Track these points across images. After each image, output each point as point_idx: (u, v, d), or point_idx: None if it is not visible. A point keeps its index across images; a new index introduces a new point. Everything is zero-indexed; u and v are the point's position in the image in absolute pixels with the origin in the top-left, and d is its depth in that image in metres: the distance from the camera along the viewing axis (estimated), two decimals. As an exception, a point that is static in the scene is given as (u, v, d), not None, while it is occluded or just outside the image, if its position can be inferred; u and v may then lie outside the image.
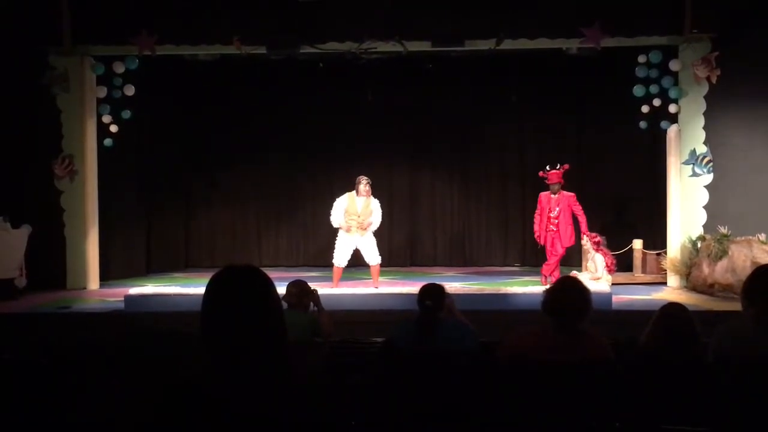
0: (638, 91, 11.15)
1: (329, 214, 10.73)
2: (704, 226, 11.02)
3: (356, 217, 10.34)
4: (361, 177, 10.45)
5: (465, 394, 3.92)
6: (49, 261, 11.11)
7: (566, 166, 10.82)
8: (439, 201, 14.53)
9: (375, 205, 10.49)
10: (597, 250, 10.82)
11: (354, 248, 10.48)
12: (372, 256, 10.50)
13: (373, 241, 10.54)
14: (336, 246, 10.58)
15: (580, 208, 10.84)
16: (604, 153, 13.32)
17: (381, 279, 11.07)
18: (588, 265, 10.99)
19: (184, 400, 2.09)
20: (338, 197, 10.65)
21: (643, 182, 12.74)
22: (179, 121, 14.03)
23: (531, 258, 13.56)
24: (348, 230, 10.37)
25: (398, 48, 11.02)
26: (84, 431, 3.49)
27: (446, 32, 10.91)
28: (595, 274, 10.65)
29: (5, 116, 11.34)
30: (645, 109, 11.24)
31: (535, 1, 10.89)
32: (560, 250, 10.91)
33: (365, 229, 10.39)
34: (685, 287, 10.96)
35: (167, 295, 9.59)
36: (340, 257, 10.49)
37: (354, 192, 10.41)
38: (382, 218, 10.81)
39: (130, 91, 11.45)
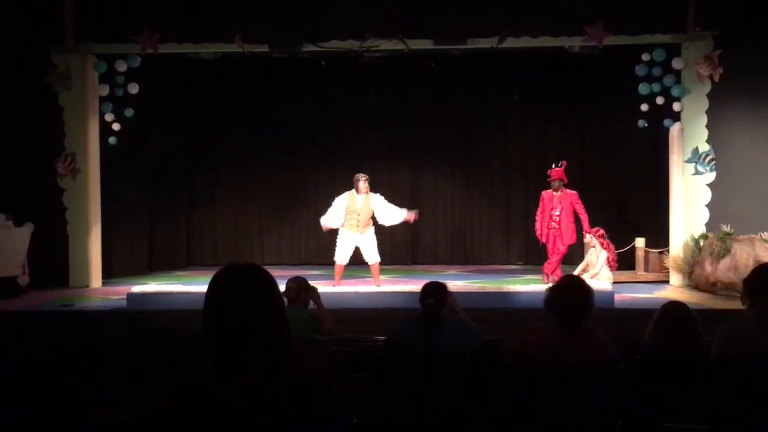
0: (643, 89, 11.13)
1: (338, 230, 10.68)
2: (707, 225, 11.01)
3: (356, 215, 10.32)
4: (359, 174, 10.42)
5: (467, 392, 3.92)
6: (51, 259, 11.10)
7: (564, 163, 10.86)
8: (441, 199, 14.54)
9: (376, 201, 10.41)
10: (602, 245, 10.80)
11: (355, 246, 10.47)
12: (371, 254, 10.48)
13: (374, 239, 10.52)
14: (337, 244, 10.57)
15: (582, 206, 10.87)
16: (607, 151, 13.32)
17: (383, 277, 11.08)
18: (590, 259, 10.93)
19: (186, 398, 2.09)
20: (338, 196, 10.61)
21: (646, 180, 12.74)
22: (181, 120, 14.03)
23: (533, 256, 13.56)
24: (349, 229, 10.35)
25: (400, 46, 11.01)
26: (87, 429, 3.49)
27: (449, 30, 10.90)
28: (594, 270, 10.61)
29: (8, 114, 11.35)
30: (644, 107, 11.23)
31: (538, 0, 10.89)
32: (562, 248, 10.91)
33: (366, 226, 10.38)
34: (688, 286, 10.94)
35: (169, 293, 9.60)
36: (342, 255, 10.49)
37: (353, 190, 10.40)
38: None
39: (134, 89, 11.45)
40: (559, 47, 11.31)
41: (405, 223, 10.90)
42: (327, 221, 10.48)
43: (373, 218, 10.53)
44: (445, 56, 11.70)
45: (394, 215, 10.46)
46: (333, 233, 10.76)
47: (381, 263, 10.82)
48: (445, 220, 14.52)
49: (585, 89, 13.49)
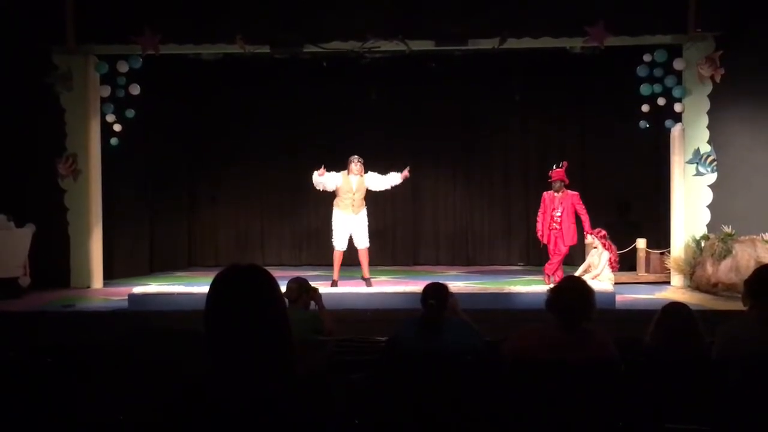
0: (645, 90, 11.13)
1: (332, 213, 10.75)
2: (708, 226, 11.00)
3: (351, 194, 10.40)
4: (352, 156, 10.49)
5: (469, 393, 3.92)
6: (52, 260, 11.10)
7: (565, 163, 10.88)
8: (441, 200, 14.53)
9: (371, 178, 10.51)
10: (604, 246, 10.80)
11: (350, 231, 10.53)
12: (362, 238, 10.57)
13: (366, 223, 10.61)
14: (333, 228, 10.62)
15: (583, 207, 10.87)
16: (608, 152, 13.31)
17: (384, 278, 11.11)
18: (592, 260, 10.94)
19: (187, 398, 2.09)
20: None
21: (647, 181, 12.74)
22: (182, 120, 14.03)
23: (534, 257, 13.55)
24: (344, 210, 10.39)
25: (402, 47, 11.01)
26: (88, 430, 3.50)
27: (450, 31, 10.90)
28: (596, 271, 10.62)
29: (9, 115, 11.35)
30: (645, 108, 11.24)
31: (539, 0, 10.88)
32: (563, 249, 10.91)
33: (360, 207, 10.49)
34: (689, 286, 10.93)
35: (170, 294, 9.60)
36: (340, 240, 10.57)
37: (346, 171, 10.43)
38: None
39: (135, 90, 11.45)
40: (560, 48, 11.32)
41: (404, 182, 10.91)
42: (320, 178, 10.43)
43: (365, 199, 10.65)
44: (446, 57, 11.70)
45: (389, 179, 10.54)
46: (327, 222, 10.77)
47: (382, 264, 10.84)
48: (446, 220, 14.51)
49: (586, 90, 13.49)
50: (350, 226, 10.55)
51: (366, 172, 10.61)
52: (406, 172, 10.54)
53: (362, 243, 10.61)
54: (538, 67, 12.62)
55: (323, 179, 10.45)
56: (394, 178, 10.57)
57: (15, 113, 11.37)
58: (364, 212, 10.61)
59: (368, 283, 10.56)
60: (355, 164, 10.41)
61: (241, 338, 2.11)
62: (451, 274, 12.76)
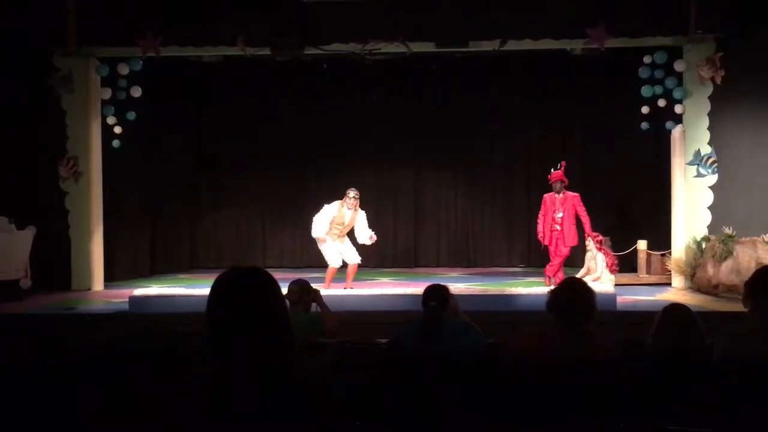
0: (646, 91, 11.14)
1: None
2: (709, 227, 11.00)
3: (341, 226, 10.37)
4: (350, 189, 10.42)
5: (470, 395, 3.92)
6: (53, 262, 11.11)
7: (564, 163, 10.88)
8: (443, 202, 14.54)
9: (361, 218, 10.51)
10: (599, 250, 10.85)
11: (339, 251, 10.54)
12: (353, 255, 10.56)
13: (350, 242, 10.59)
14: (326, 250, 10.52)
15: (584, 208, 10.86)
16: (609, 153, 13.33)
17: (385, 279, 11.10)
18: (590, 264, 10.98)
19: (189, 401, 2.09)
20: (327, 204, 10.59)
21: (648, 183, 12.75)
22: (184, 122, 14.06)
23: (535, 259, 13.55)
24: (332, 237, 10.38)
25: (402, 49, 11.03)
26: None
27: (450, 33, 10.91)
28: (596, 274, 10.66)
29: (10, 117, 11.37)
30: (645, 109, 11.26)
31: (540, 2, 10.89)
32: (564, 251, 10.91)
33: (344, 235, 10.49)
34: (690, 288, 10.94)
35: (172, 296, 9.58)
36: (335, 259, 10.51)
37: (343, 202, 10.40)
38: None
39: (136, 92, 11.48)
40: (561, 50, 11.33)
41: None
42: (320, 233, 10.45)
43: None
44: (446, 59, 11.71)
45: (365, 234, 10.51)
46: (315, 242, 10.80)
47: (383, 266, 10.82)
48: (447, 222, 14.53)
49: (587, 92, 13.51)
50: (338, 247, 10.52)
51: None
52: (372, 237, 10.54)
53: (354, 259, 10.59)
54: (538, 69, 12.64)
55: (321, 233, 10.42)
56: (364, 235, 10.49)
57: (16, 115, 11.39)
58: (346, 237, 10.57)
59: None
60: (351, 199, 10.34)
61: (242, 340, 2.12)
62: (452, 275, 12.77)
